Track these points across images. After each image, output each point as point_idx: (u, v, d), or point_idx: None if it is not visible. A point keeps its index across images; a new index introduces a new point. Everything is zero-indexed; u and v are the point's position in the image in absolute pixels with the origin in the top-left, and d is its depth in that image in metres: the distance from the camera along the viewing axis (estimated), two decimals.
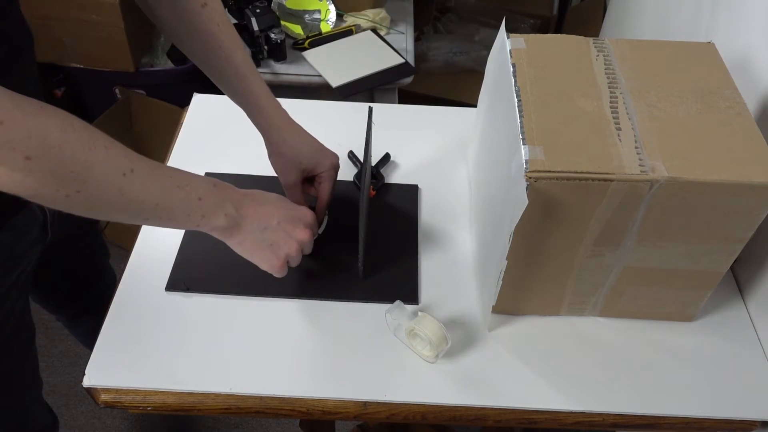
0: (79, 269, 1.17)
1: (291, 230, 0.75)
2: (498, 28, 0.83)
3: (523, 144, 0.68)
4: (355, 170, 1.01)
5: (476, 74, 2.22)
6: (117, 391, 0.76)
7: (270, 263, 0.75)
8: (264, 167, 1.00)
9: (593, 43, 0.81)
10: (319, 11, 1.80)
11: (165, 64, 1.97)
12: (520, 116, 0.71)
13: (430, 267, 0.89)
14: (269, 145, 0.87)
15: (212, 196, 0.69)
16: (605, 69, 0.77)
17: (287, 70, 1.66)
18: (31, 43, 0.81)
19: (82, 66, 1.88)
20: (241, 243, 0.73)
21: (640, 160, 0.67)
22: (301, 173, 0.87)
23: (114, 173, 0.60)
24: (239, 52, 0.83)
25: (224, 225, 0.70)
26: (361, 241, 0.84)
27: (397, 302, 0.79)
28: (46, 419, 1.10)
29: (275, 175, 0.99)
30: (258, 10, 1.59)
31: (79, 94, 2.08)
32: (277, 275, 0.76)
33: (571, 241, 0.73)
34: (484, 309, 0.83)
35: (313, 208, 0.84)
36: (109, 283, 1.23)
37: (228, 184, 0.72)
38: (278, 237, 0.74)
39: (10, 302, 0.88)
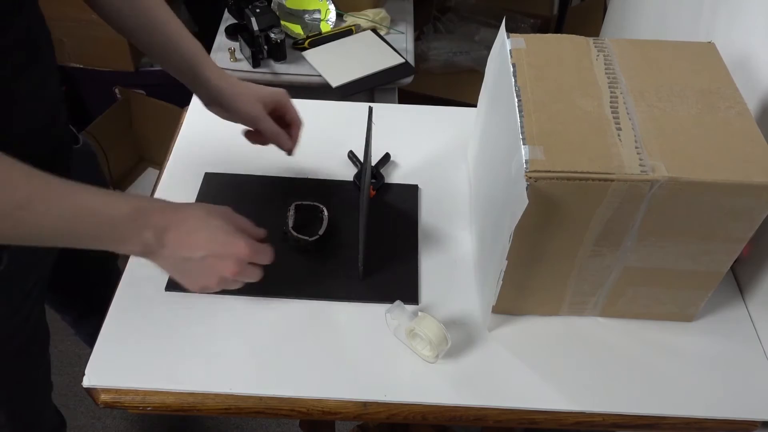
0: (90, 272, 1.16)
1: (216, 265, 0.70)
2: (498, 28, 0.83)
3: (523, 144, 0.68)
4: (355, 170, 1.01)
5: (476, 74, 2.22)
6: (117, 391, 0.76)
7: (189, 287, 0.72)
8: (264, 167, 1.00)
9: (593, 43, 0.81)
10: (319, 11, 1.80)
11: None
12: (520, 116, 0.71)
13: (430, 267, 0.89)
14: (227, 92, 0.86)
15: (128, 224, 0.65)
16: (605, 69, 0.77)
17: (287, 70, 1.66)
18: (49, 43, 0.80)
19: (82, 66, 1.89)
20: (160, 265, 0.70)
21: (641, 160, 0.67)
22: (264, 105, 0.86)
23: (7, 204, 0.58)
24: (173, 19, 0.85)
25: (139, 251, 0.68)
26: (361, 241, 0.84)
27: (397, 302, 0.79)
28: (54, 420, 1.11)
29: (276, 175, 0.99)
30: (258, 10, 1.59)
31: (79, 94, 2.09)
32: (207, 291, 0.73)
33: (571, 241, 0.73)
34: (484, 309, 0.83)
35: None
36: (116, 284, 1.23)
37: (160, 206, 0.69)
38: (200, 270, 0.70)
39: (28, 307, 0.88)
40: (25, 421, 0.99)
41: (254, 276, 0.73)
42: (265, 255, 0.73)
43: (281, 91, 0.90)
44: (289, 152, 0.92)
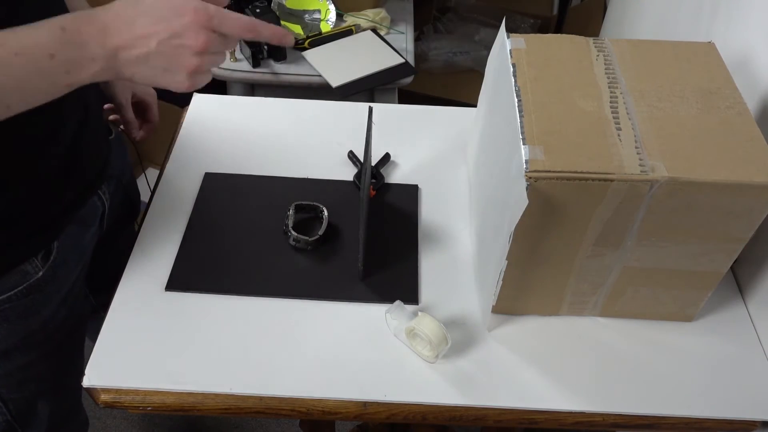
0: (110, 266, 1.16)
1: (178, 48, 0.61)
2: (498, 28, 0.83)
3: (523, 144, 0.68)
4: (355, 170, 1.01)
5: (476, 74, 2.22)
6: (117, 391, 0.76)
7: (177, 86, 0.65)
8: (264, 167, 1.00)
9: (593, 43, 0.81)
10: (319, 11, 1.80)
11: None
12: (520, 116, 0.71)
13: (430, 267, 0.89)
14: None
15: (64, 47, 0.59)
16: (605, 69, 0.77)
17: (287, 70, 1.66)
18: None
19: None
20: (133, 78, 0.63)
21: (641, 160, 0.67)
22: (132, 96, 0.98)
23: None
24: None
25: (99, 70, 0.61)
26: (361, 241, 0.84)
27: (397, 302, 0.79)
28: (84, 414, 1.11)
29: (276, 175, 0.99)
30: (258, 10, 1.59)
31: None
32: (197, 87, 0.66)
33: (571, 241, 0.73)
34: (484, 309, 0.83)
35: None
36: None
37: (86, 17, 0.60)
38: (169, 59, 0.62)
39: (71, 299, 0.88)
40: (62, 415, 1.00)
41: (228, 44, 0.65)
42: (221, 17, 0.63)
43: (153, 92, 1.02)
44: (134, 140, 1.04)
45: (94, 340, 0.79)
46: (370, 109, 0.83)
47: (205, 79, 0.66)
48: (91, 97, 0.88)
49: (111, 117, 1.02)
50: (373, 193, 0.98)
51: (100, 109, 0.94)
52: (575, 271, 0.77)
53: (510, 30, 0.81)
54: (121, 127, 1.03)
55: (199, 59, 0.63)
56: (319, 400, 0.76)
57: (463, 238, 0.93)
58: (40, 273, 0.81)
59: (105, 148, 0.92)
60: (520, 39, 0.80)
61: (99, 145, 0.90)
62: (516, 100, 0.72)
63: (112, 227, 1.03)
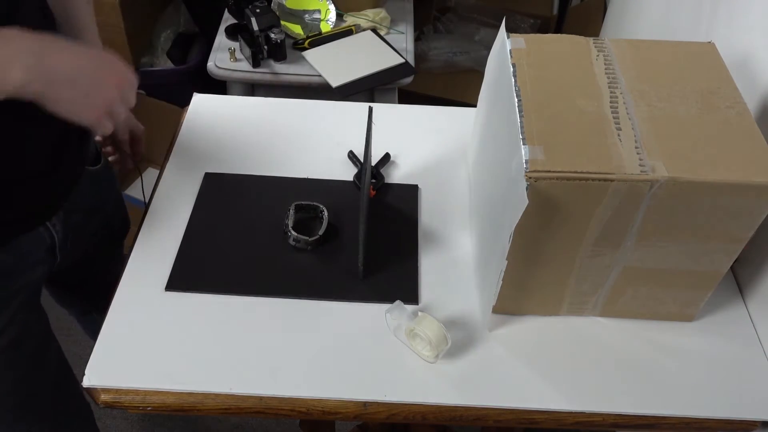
0: (94, 278, 1.16)
1: (105, 76, 0.69)
2: (498, 28, 0.83)
3: (523, 144, 0.68)
4: (355, 170, 1.01)
5: (476, 74, 2.22)
6: (117, 391, 0.76)
7: (88, 116, 0.69)
8: (264, 167, 1.00)
9: (593, 43, 0.81)
10: (319, 11, 1.80)
11: (165, 64, 1.97)
12: (520, 116, 0.71)
13: (430, 267, 0.89)
14: None
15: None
16: (605, 69, 0.77)
17: (287, 70, 1.66)
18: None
19: None
20: (51, 97, 0.66)
21: (640, 160, 0.67)
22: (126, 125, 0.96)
23: None
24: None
25: (24, 79, 0.63)
26: (361, 241, 0.84)
27: (397, 302, 0.79)
28: None
29: (276, 175, 0.99)
30: (258, 10, 1.59)
31: None
32: (100, 130, 0.71)
33: (571, 241, 0.73)
34: (484, 309, 0.83)
35: None
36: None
37: (19, 34, 0.64)
38: (95, 83, 0.68)
39: (8, 313, 0.87)
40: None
41: (132, 95, 0.72)
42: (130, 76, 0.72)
43: (142, 127, 1.00)
44: (118, 164, 1.03)
45: (94, 338, 0.79)
46: (370, 109, 0.83)
47: (109, 127, 0.71)
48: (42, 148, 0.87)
49: (107, 149, 1.02)
50: (373, 193, 0.98)
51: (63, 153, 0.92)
52: (575, 271, 0.77)
53: (510, 30, 0.81)
54: (111, 158, 1.03)
55: (117, 93, 0.70)
56: (319, 400, 0.76)
57: (463, 238, 0.93)
58: None
59: (62, 184, 0.90)
60: (520, 39, 0.80)
61: (45, 182, 0.87)
62: (516, 100, 0.72)
63: (90, 252, 1.03)
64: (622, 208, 0.68)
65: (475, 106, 1.00)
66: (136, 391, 0.76)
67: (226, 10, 1.80)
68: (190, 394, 0.76)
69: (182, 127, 1.08)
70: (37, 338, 0.95)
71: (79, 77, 0.67)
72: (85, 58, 0.68)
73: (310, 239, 0.88)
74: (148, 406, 0.75)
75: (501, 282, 0.76)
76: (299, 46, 1.71)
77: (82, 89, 0.67)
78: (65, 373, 1.03)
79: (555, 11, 2.43)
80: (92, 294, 1.20)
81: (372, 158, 0.94)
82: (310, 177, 1.00)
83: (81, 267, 1.07)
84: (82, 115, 0.69)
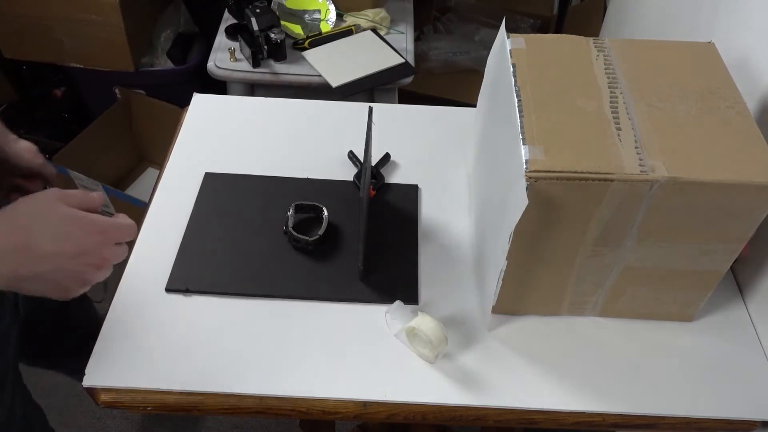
0: (52, 332, 1.11)
1: (87, 264, 0.62)
2: (498, 28, 0.83)
3: (523, 144, 0.68)
4: (355, 170, 1.01)
5: (476, 74, 2.22)
6: (117, 391, 0.76)
7: (62, 297, 0.63)
8: (264, 167, 1.00)
9: (593, 43, 0.81)
10: (319, 11, 1.80)
11: (165, 64, 1.97)
12: (520, 116, 0.71)
13: (429, 267, 0.89)
14: (10, 146, 0.81)
15: None
16: (605, 69, 0.77)
17: (287, 70, 1.66)
18: None
19: (82, 66, 1.88)
20: (27, 292, 0.61)
21: (641, 160, 0.67)
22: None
23: None
24: None
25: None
26: (361, 241, 0.84)
27: (397, 302, 0.79)
28: None
29: (276, 175, 0.99)
30: (258, 10, 1.59)
31: (79, 94, 2.08)
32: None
33: (571, 241, 0.73)
34: (484, 309, 0.83)
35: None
36: (86, 332, 0.97)
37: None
38: (72, 275, 0.62)
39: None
40: None
41: (120, 255, 0.65)
42: (121, 232, 0.64)
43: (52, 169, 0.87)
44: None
45: (75, 377, 0.77)
46: (370, 109, 0.83)
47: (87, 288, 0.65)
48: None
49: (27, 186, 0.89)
50: (373, 193, 0.98)
51: None
52: (575, 271, 0.77)
53: (510, 30, 0.81)
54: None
55: (101, 273, 0.63)
56: (319, 400, 0.76)
57: (463, 238, 0.93)
58: None
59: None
60: (520, 39, 0.80)
61: None
62: (516, 100, 0.72)
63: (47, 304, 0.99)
64: (622, 208, 0.68)
65: (475, 106, 1.00)
66: (136, 391, 0.76)
67: (226, 10, 1.81)
68: (190, 394, 0.76)
69: (182, 127, 1.08)
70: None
71: (57, 274, 0.61)
72: (69, 243, 0.60)
73: (310, 239, 0.88)
74: (148, 406, 0.75)
75: (501, 282, 0.76)
76: (299, 46, 1.72)
77: (59, 284, 0.62)
78: None
79: (555, 11, 2.43)
80: (52, 351, 1.14)
81: (372, 158, 0.94)
82: (310, 177, 1.00)
83: (37, 321, 1.03)
84: (51, 297, 0.63)
